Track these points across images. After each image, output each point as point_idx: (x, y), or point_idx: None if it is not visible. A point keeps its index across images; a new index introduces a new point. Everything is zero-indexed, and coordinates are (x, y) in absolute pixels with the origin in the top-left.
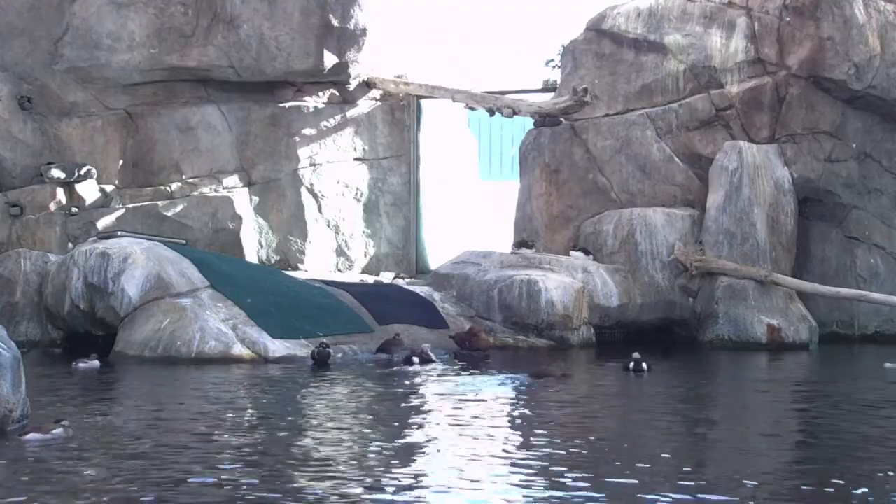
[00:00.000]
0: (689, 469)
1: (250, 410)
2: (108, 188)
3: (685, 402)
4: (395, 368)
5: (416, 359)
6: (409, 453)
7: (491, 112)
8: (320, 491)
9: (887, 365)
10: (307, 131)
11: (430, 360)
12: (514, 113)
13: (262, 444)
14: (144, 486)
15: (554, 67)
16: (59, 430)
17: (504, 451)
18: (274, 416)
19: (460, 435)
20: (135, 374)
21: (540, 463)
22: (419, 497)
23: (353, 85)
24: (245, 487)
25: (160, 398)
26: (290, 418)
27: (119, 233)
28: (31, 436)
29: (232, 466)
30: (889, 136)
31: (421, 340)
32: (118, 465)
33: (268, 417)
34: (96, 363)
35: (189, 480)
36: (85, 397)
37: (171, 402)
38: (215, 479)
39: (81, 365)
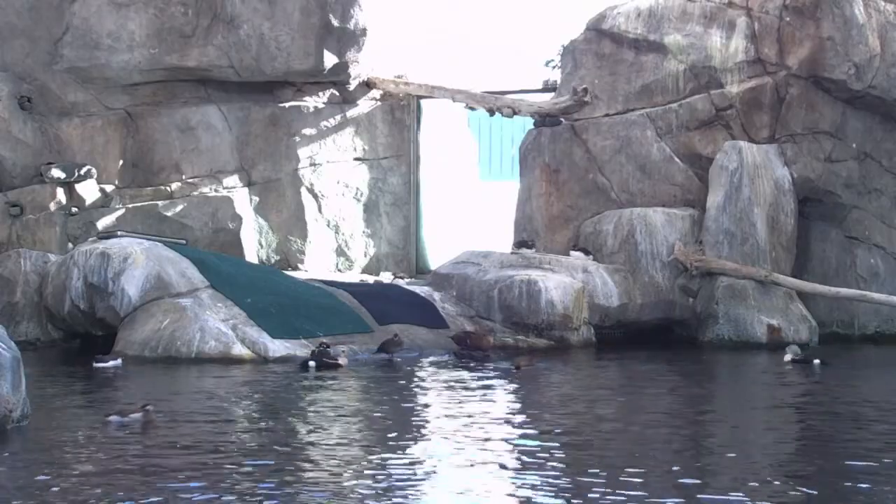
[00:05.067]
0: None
1: (254, 410)
2: (108, 188)
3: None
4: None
5: (311, 363)
6: (409, 452)
7: (491, 112)
8: (322, 490)
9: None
10: (307, 131)
11: (328, 365)
12: (514, 113)
13: (264, 445)
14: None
15: (554, 67)
16: (137, 415)
17: (505, 448)
18: (275, 415)
19: (461, 432)
20: (136, 375)
21: (540, 460)
22: (420, 495)
23: (353, 85)
24: (247, 492)
25: (161, 399)
26: (291, 418)
27: (119, 233)
28: (112, 418)
29: (235, 468)
30: (889, 136)
31: (420, 340)
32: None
33: (269, 417)
34: (118, 362)
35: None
36: (96, 396)
37: (175, 402)
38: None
39: (103, 364)
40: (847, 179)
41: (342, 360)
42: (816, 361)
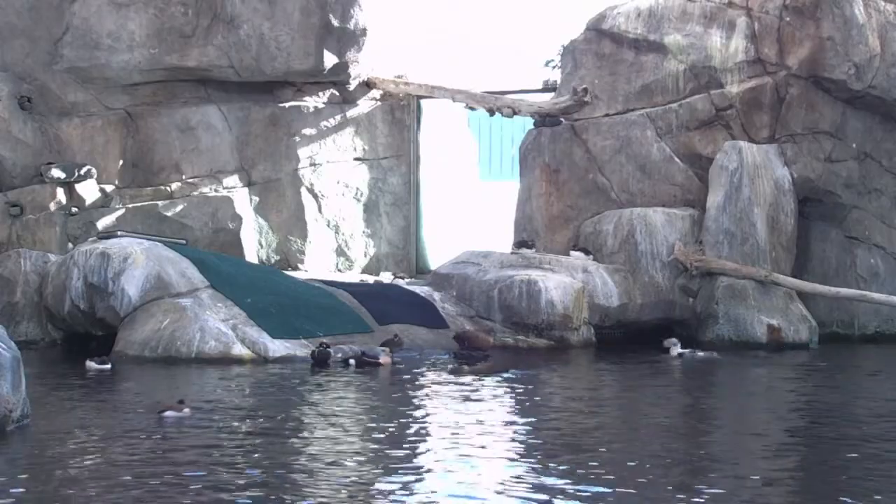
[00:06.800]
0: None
1: (254, 410)
2: (108, 188)
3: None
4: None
5: (352, 361)
6: (409, 453)
7: (491, 112)
8: (321, 491)
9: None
10: (307, 131)
11: (369, 363)
12: (514, 113)
13: (263, 445)
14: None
15: (554, 67)
16: (188, 410)
17: (506, 449)
18: (275, 416)
19: (462, 433)
20: (136, 375)
21: (539, 461)
22: (420, 496)
23: (353, 85)
24: (246, 492)
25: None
26: (292, 419)
27: (119, 233)
28: (168, 413)
29: (235, 468)
30: (889, 136)
31: (420, 340)
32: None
33: (270, 417)
34: (108, 366)
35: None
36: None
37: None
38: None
39: (95, 365)
40: (847, 179)
41: (384, 359)
42: (711, 354)
